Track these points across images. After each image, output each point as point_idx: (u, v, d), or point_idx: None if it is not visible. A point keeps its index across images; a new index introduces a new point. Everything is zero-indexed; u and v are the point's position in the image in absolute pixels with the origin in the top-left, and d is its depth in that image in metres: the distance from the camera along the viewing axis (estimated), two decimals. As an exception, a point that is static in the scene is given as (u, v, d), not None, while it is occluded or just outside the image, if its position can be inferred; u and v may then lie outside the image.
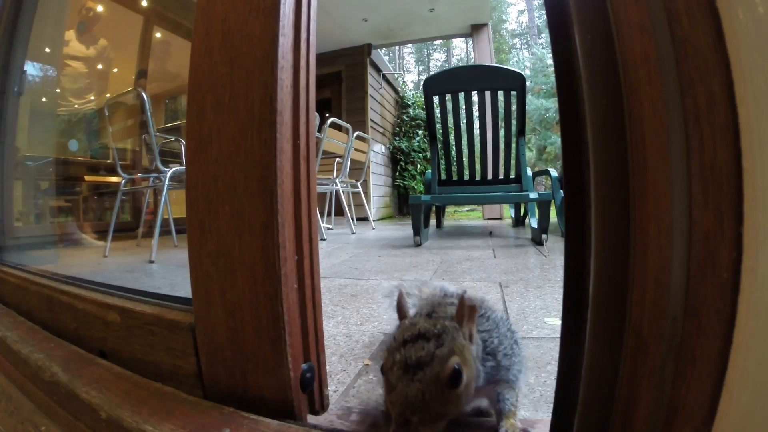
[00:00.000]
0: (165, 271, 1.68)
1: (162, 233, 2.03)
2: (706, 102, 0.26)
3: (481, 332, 0.42)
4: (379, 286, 1.37)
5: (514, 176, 2.66)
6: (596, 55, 0.33)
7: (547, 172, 2.98)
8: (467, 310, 0.39)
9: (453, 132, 2.69)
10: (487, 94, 2.59)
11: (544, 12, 0.45)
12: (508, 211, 4.49)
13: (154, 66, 3.54)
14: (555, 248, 2.09)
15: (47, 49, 1.94)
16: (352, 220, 3.49)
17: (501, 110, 2.57)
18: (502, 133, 2.61)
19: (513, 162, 2.65)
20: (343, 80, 5.43)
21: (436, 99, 2.71)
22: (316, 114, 0.96)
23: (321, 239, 2.82)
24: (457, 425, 0.43)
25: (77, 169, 3.06)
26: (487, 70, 2.95)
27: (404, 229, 3.73)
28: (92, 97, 3.16)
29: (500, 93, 2.53)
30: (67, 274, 0.90)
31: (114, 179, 2.88)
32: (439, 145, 2.74)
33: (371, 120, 5.35)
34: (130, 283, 1.27)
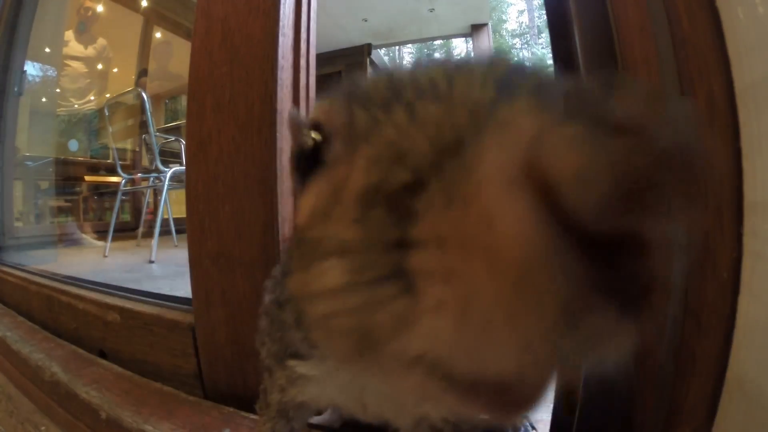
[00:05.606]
0: (165, 271, 1.68)
1: (162, 233, 2.03)
2: (706, 102, 0.26)
3: None
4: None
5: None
6: (596, 55, 0.33)
7: (547, 172, 2.98)
8: None
9: (453, 132, 2.69)
10: (487, 94, 2.59)
11: (544, 12, 0.45)
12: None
13: (154, 66, 3.53)
14: (555, 248, 2.09)
15: (47, 49, 1.94)
16: (352, 220, 3.47)
17: (501, 110, 2.57)
18: (502, 133, 2.61)
19: (513, 162, 2.65)
20: (343, 80, 5.43)
21: (436, 99, 2.71)
22: (316, 114, 0.95)
23: (321, 239, 2.81)
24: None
25: (77, 169, 3.05)
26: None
27: (404, 229, 3.72)
28: (92, 97, 3.15)
29: (500, 93, 2.54)
30: (67, 274, 0.90)
31: (114, 179, 2.87)
32: (439, 145, 2.73)
33: (371, 120, 5.34)
34: (129, 283, 1.27)
